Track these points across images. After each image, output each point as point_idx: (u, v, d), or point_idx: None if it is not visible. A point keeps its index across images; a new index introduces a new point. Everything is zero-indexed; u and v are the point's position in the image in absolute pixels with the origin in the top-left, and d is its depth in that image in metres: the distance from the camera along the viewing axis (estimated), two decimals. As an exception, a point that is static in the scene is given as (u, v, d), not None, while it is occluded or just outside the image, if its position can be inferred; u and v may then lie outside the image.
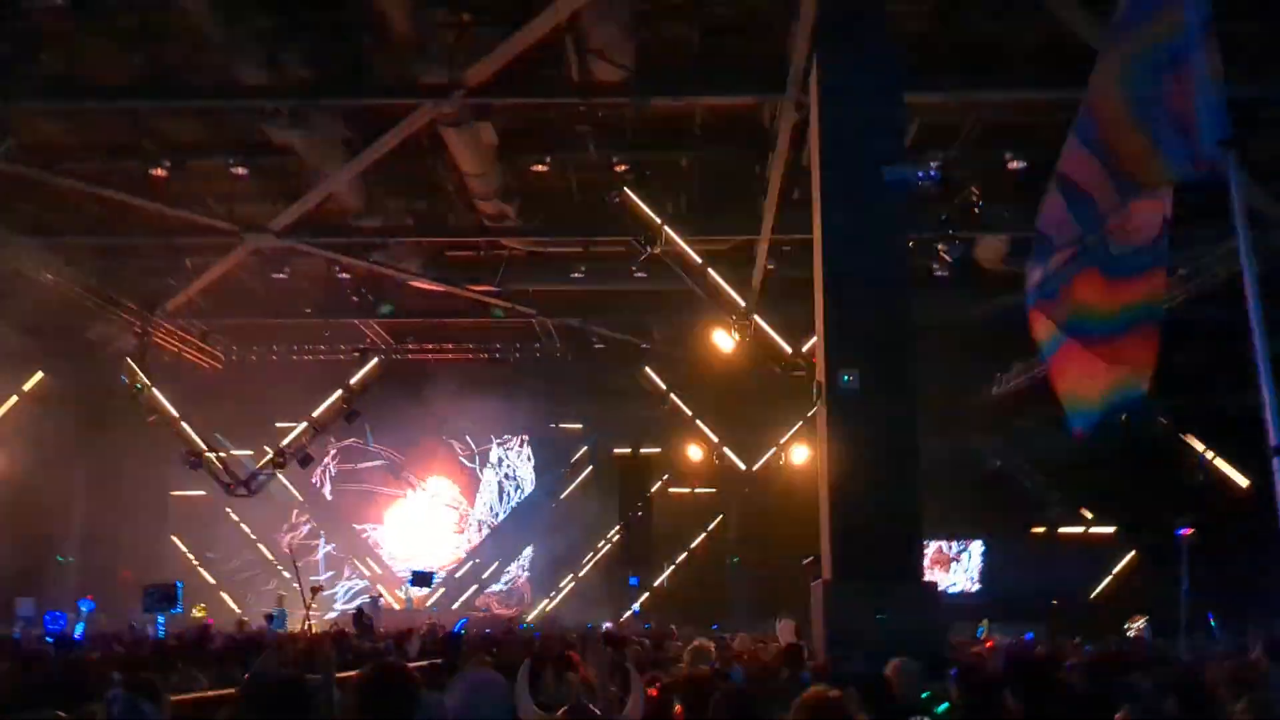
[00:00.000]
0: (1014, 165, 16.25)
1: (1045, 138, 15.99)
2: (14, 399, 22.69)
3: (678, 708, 5.16)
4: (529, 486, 29.76)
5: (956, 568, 27.40)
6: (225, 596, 27.73)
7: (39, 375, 23.15)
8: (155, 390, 22.60)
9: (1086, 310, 5.08)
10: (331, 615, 26.33)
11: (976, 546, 27.53)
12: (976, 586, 27.16)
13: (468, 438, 29.49)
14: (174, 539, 27.57)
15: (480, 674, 5.13)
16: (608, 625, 22.81)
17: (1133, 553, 25.69)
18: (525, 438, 29.43)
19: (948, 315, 19.19)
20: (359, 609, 22.20)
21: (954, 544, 27.29)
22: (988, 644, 13.82)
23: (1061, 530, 26.48)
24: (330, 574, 28.84)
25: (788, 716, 3.51)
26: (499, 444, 29.62)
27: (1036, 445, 24.98)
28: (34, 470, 22.28)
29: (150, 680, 4.47)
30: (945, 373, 20.37)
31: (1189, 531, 13.16)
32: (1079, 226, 5.07)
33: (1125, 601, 23.08)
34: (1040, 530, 26.61)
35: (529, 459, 29.68)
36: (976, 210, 16.50)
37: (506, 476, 29.84)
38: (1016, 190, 16.50)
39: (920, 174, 11.50)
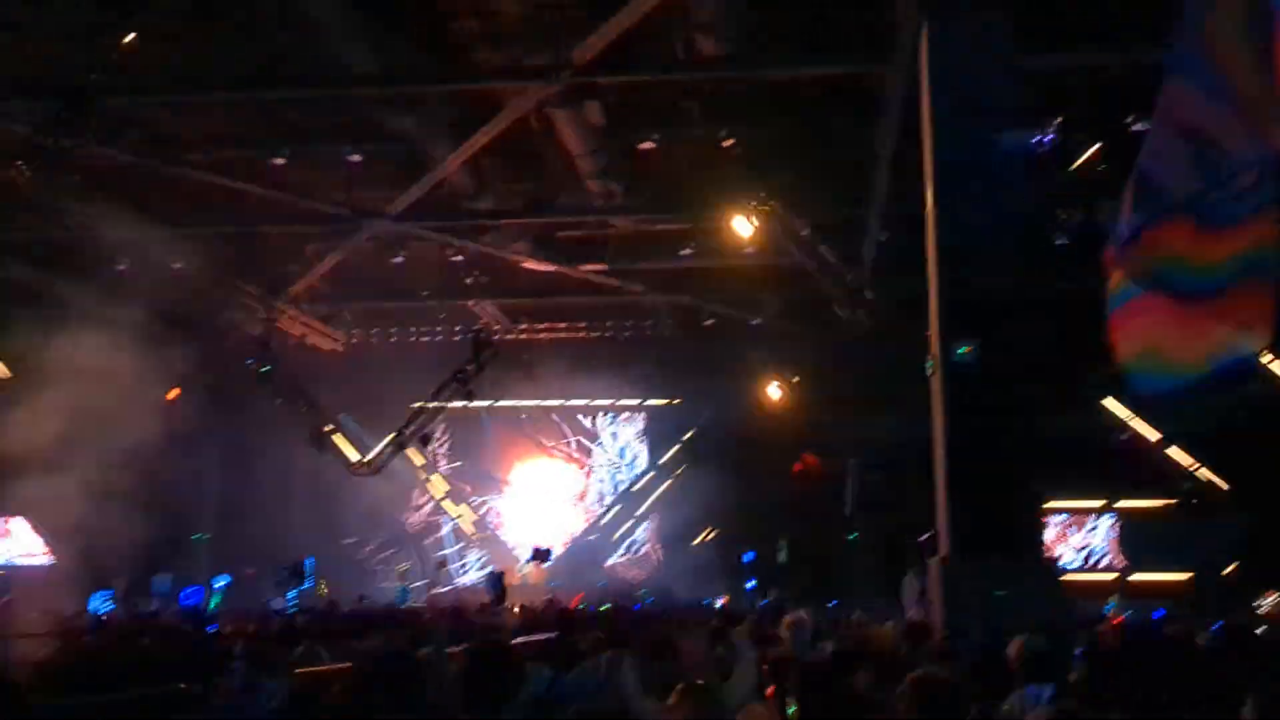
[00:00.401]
0: (1137, 127, 15.61)
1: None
2: (176, 390, 23.57)
3: (769, 689, 5.06)
4: (643, 463, 29.86)
5: (1082, 542, 26.65)
6: (351, 572, 28.50)
7: (172, 359, 24.02)
8: (280, 373, 23.33)
9: (1178, 262, 4.77)
10: (459, 586, 26.89)
11: (1104, 520, 26.72)
12: (1103, 561, 26.38)
13: (580, 416, 29.72)
14: (301, 517, 28.41)
15: (612, 657, 5.13)
16: (722, 601, 22.81)
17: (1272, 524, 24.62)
18: (637, 414, 29.49)
19: (1069, 283, 18.59)
20: (496, 574, 22.28)
21: (1079, 518, 26.53)
22: (1115, 621, 13.44)
23: (1195, 501, 25.49)
24: (459, 546, 29.46)
25: (899, 695, 3.44)
26: (611, 421, 29.75)
27: (1168, 414, 24.10)
28: (169, 450, 23.17)
29: (270, 655, 4.61)
30: (1069, 341, 19.76)
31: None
32: (1202, 177, 4.74)
33: (1264, 576, 22.15)
34: (1172, 502, 25.67)
35: (642, 437, 29.74)
36: (1098, 175, 15.91)
37: (620, 453, 29.99)
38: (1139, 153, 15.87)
39: (1036, 139, 11.13)
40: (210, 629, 12.79)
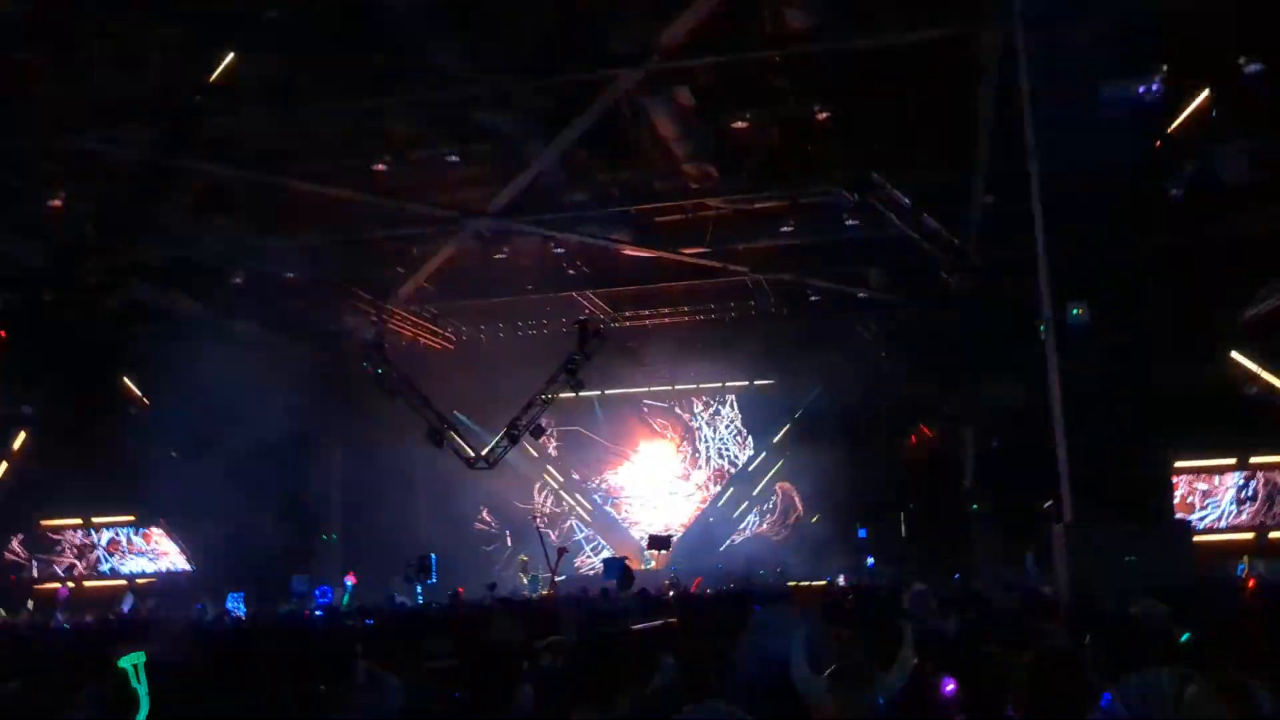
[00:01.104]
0: (1250, 69, 14.96)
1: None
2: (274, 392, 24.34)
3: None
4: (754, 444, 29.79)
5: (1213, 502, 25.76)
6: (475, 566, 29.05)
7: (291, 368, 24.79)
8: (394, 374, 23.90)
9: None
10: (582, 574, 27.26)
11: (1234, 478, 25.78)
12: (1235, 521, 25.45)
13: (689, 400, 29.77)
14: (424, 513, 29.06)
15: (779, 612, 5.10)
16: (842, 578, 22.68)
17: None
18: (747, 395, 29.37)
19: (1188, 236, 17.97)
20: (620, 562, 22.36)
21: (1210, 476, 25.63)
22: (1250, 582, 12.98)
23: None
24: (580, 535, 29.85)
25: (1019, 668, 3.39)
26: (721, 403, 29.70)
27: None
28: (297, 456, 24.02)
29: (394, 651, 4.75)
30: (1188, 296, 19.11)
31: None
32: None
33: None
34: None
35: (752, 418, 29.60)
36: (1210, 121, 15.30)
37: (731, 435, 29.97)
38: (1253, 96, 15.21)
39: (1141, 88, 10.77)
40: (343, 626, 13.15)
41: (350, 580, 23.05)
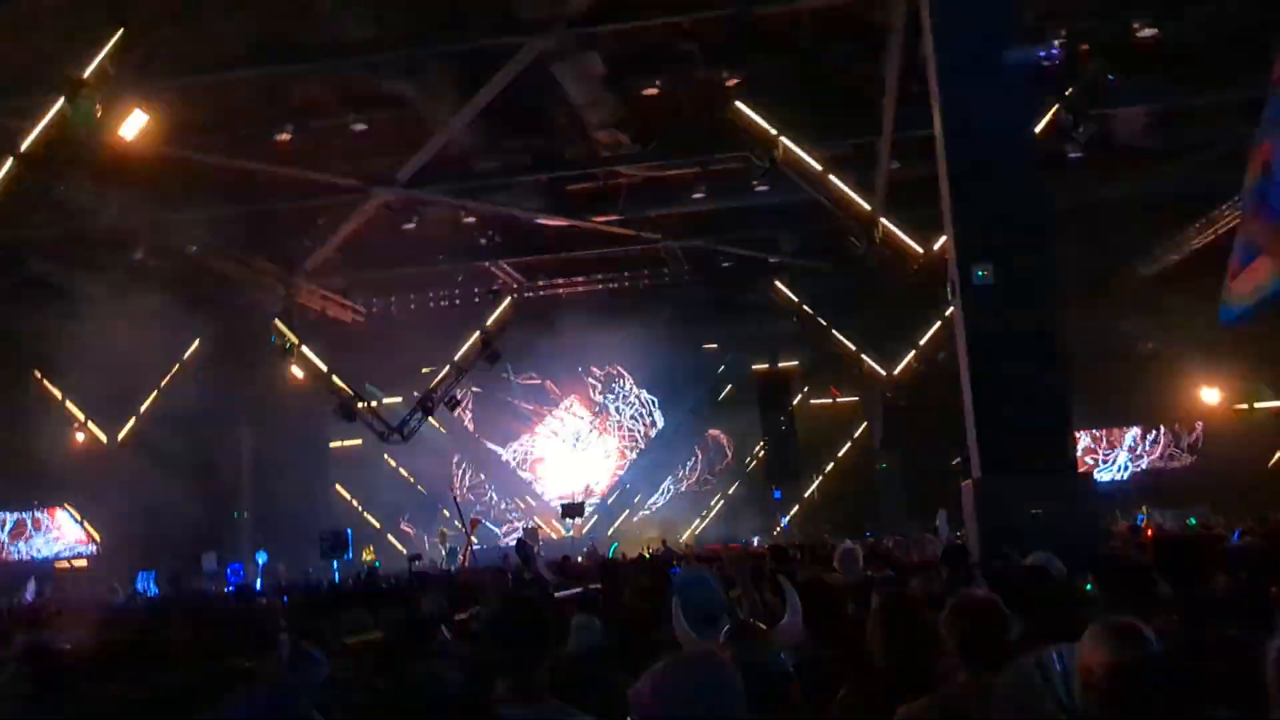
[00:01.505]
0: (1144, 33, 15.39)
1: (1175, 1, 15.22)
2: (176, 368, 23.85)
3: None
4: (670, 410, 29.99)
5: (1110, 455, 26.67)
6: (391, 539, 28.87)
7: (196, 343, 24.26)
8: (304, 348, 23.52)
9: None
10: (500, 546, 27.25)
11: (1132, 432, 26.71)
12: (1132, 473, 26.40)
13: (605, 367, 29.85)
14: (338, 488, 28.76)
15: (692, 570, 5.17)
16: (756, 540, 23.02)
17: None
18: (661, 361, 29.55)
19: (1085, 196, 18.47)
20: (519, 540, 22.62)
21: (1107, 431, 26.53)
22: (1148, 532, 13.49)
23: (1222, 409, 25.39)
24: (496, 505, 29.82)
25: (942, 619, 3.49)
26: (635, 370, 29.81)
27: (1191, 324, 23.94)
28: (206, 433, 23.54)
29: (316, 626, 4.72)
30: (1087, 256, 19.66)
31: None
32: None
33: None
34: (1198, 410, 25.59)
35: (667, 384, 29.76)
36: (1105, 85, 15.71)
37: (646, 402, 30.14)
38: (1148, 60, 15.67)
39: (1042, 53, 11.00)
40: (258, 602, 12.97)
41: (261, 557, 22.76)
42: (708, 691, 2.30)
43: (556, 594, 7.38)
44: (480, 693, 3.48)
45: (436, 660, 3.94)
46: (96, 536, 26.86)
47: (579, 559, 17.62)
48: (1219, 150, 17.83)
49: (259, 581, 20.76)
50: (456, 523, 23.20)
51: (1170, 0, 15.05)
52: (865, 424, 27.90)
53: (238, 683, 3.61)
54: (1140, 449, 26.81)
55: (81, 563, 26.84)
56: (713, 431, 29.71)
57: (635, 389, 30.11)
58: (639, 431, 30.27)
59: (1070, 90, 15.62)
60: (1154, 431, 26.72)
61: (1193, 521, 17.37)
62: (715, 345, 28.57)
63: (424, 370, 25.32)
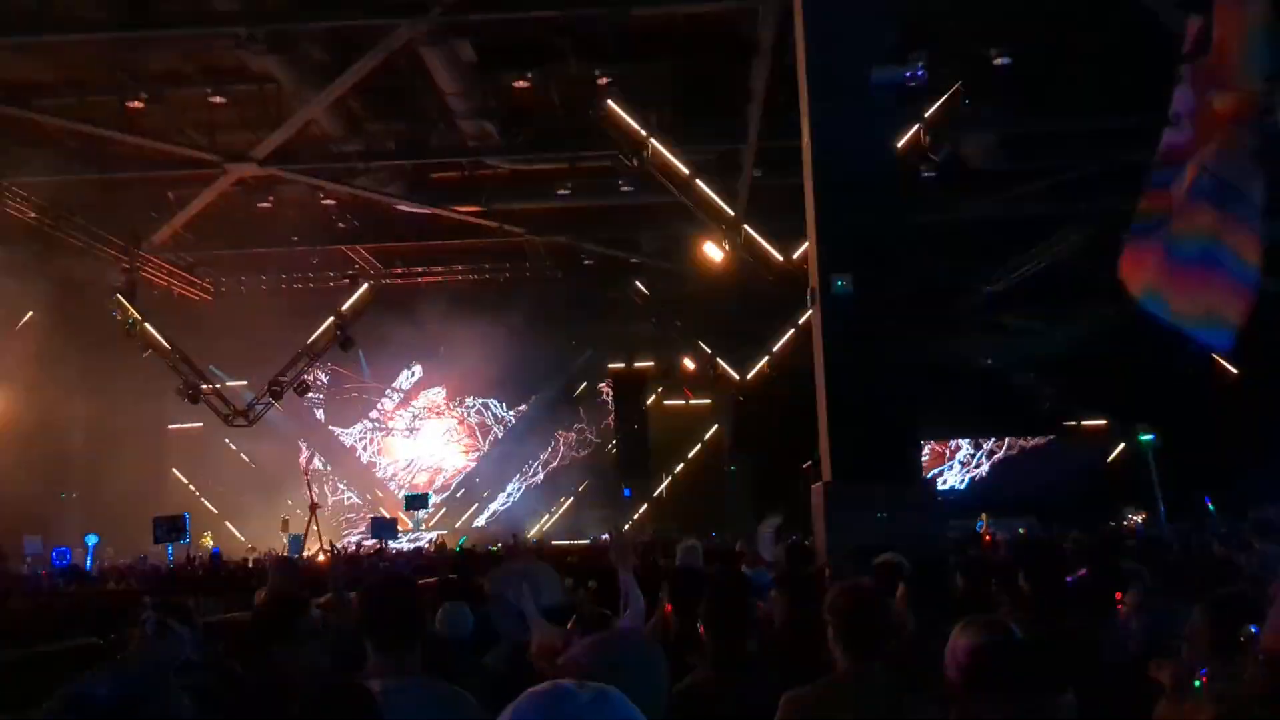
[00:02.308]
0: (999, 61, 16.11)
1: (1029, 33, 15.97)
2: (5, 339, 22.64)
3: (668, 606, 5.22)
4: (522, 405, 29.93)
5: (948, 466, 27.78)
6: (230, 526, 28.02)
7: (29, 314, 23.06)
8: (147, 325, 22.63)
9: (1167, 223, 5.16)
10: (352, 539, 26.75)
11: (968, 445, 27.87)
12: (968, 484, 27.57)
13: (459, 359, 29.58)
14: (175, 471, 27.77)
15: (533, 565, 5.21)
16: (605, 537, 23.14)
17: (1122, 445, 25.96)
18: (518, 355, 29.44)
19: (936, 215, 19.20)
20: (378, 528, 22.07)
21: (947, 443, 27.62)
22: (986, 538, 14.11)
23: (1053, 426, 26.74)
24: (339, 494, 29.25)
25: (825, 607, 3.62)
26: (490, 363, 29.66)
27: (1028, 344, 25.16)
28: (34, 409, 22.39)
29: (183, 604, 4.60)
30: (934, 273, 20.44)
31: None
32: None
33: (1118, 494, 23.41)
34: (1032, 427, 26.90)
35: (522, 378, 29.69)
36: (962, 109, 16.38)
37: (499, 395, 30.01)
38: (1001, 87, 16.39)
39: (907, 74, 11.39)
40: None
41: (91, 540, 21.81)
42: (636, 662, 2.38)
43: (419, 582, 7.30)
44: (349, 670, 3.48)
45: (306, 641, 3.88)
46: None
47: (426, 548, 17.47)
48: (1061, 177, 18.79)
49: (89, 564, 19.88)
50: (299, 510, 22.74)
51: (1023, 31, 15.76)
52: (717, 426, 28.35)
53: (95, 659, 3.51)
54: (973, 461, 27.99)
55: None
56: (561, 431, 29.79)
57: (491, 382, 29.87)
58: (490, 424, 30.10)
59: (929, 112, 16.22)
60: (987, 444, 27.92)
61: (1021, 530, 18.23)
62: (573, 341, 28.60)
63: (274, 354, 24.62)
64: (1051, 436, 26.69)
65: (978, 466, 27.87)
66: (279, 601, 4.30)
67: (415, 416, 30.14)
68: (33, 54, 16.24)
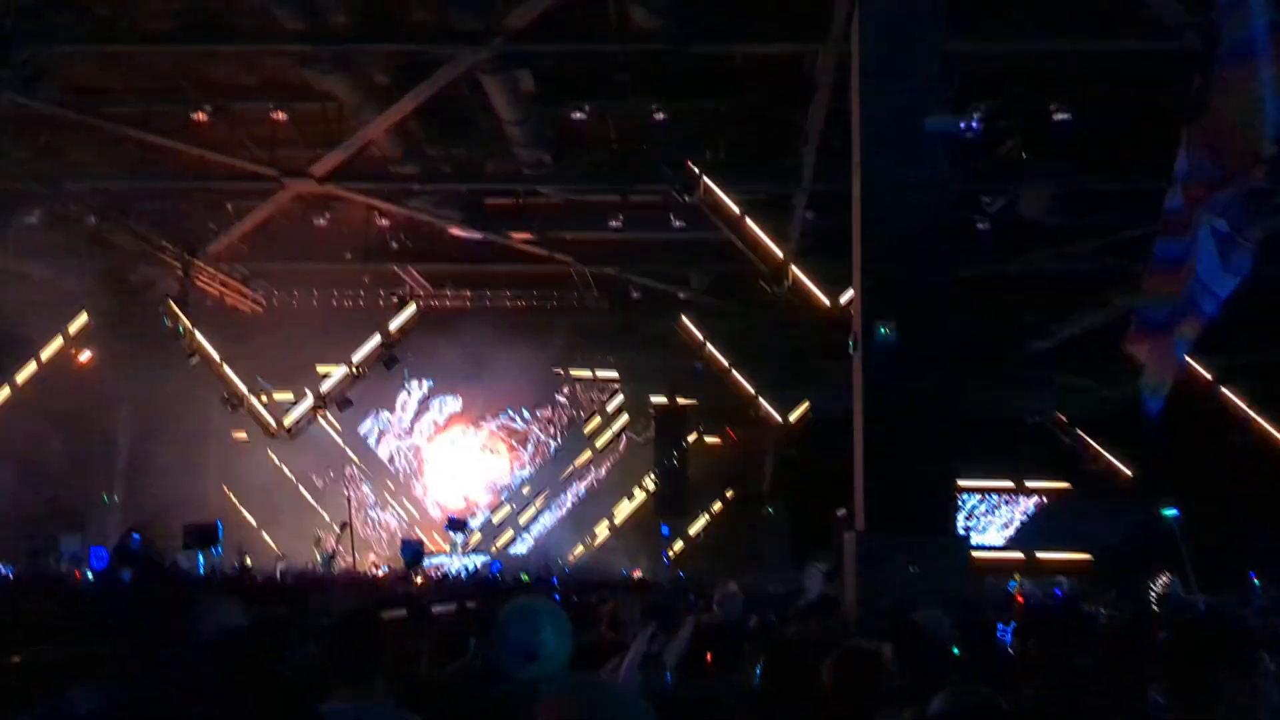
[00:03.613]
0: (1059, 117, 15.95)
1: (1091, 89, 15.82)
2: (59, 340, 23.00)
3: (708, 655, 5.17)
4: (566, 434, 29.90)
5: (989, 522, 27.35)
6: (266, 537, 28.15)
7: (83, 317, 23.44)
8: (197, 333, 22.92)
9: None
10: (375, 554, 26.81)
11: (1011, 501, 27.45)
12: (1007, 540, 27.11)
13: (504, 384, 29.63)
14: (215, 479, 27.99)
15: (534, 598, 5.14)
16: (638, 573, 23.03)
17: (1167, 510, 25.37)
18: (562, 383, 29.43)
19: (989, 268, 19.03)
20: (408, 552, 22.07)
21: (988, 498, 27.22)
22: (1018, 598, 13.84)
23: (1096, 486, 26.26)
24: (378, 513, 29.34)
25: (825, 667, 3.54)
26: (535, 390, 29.68)
27: (1075, 401, 24.79)
28: (80, 410, 22.74)
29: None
30: (985, 326, 20.24)
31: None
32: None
33: (1157, 558, 22.88)
34: (1074, 485, 26.44)
35: (566, 408, 29.73)
36: (1020, 162, 16.25)
37: (543, 423, 30.00)
38: (1061, 142, 16.23)
39: (962, 125, 11.29)
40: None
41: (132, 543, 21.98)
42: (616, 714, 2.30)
43: (434, 608, 7.27)
44: (309, 697, 3.41)
45: (288, 661, 3.83)
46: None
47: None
48: (1116, 237, 18.56)
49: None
50: (336, 527, 22.86)
51: (1084, 88, 15.62)
52: (756, 468, 28.14)
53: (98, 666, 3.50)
54: (1014, 517, 27.55)
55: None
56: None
57: (535, 409, 29.89)
58: (535, 453, 30.08)
59: (985, 164, 16.11)
60: (1028, 500, 27.47)
61: (1058, 591, 17.85)
62: (616, 374, 28.57)
63: (320, 369, 24.83)
64: (1092, 496, 26.16)
65: (1015, 522, 27.41)
66: (270, 619, 4.28)
67: (452, 441, 30.18)
68: (102, 61, 16.58)
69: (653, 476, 28.22)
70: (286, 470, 28.32)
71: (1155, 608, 12.80)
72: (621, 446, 29.22)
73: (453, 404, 29.99)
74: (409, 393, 29.56)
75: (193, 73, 17.21)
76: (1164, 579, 19.91)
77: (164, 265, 22.28)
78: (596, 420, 29.33)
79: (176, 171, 19.62)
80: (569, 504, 29.70)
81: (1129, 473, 26.21)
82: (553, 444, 30.01)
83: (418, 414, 30.03)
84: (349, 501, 23.77)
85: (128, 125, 17.71)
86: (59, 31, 14.70)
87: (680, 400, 27.72)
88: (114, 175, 19.61)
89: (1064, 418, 26.16)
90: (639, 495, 28.67)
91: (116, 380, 23.94)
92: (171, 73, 17.12)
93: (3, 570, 19.20)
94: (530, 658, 3.98)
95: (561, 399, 29.77)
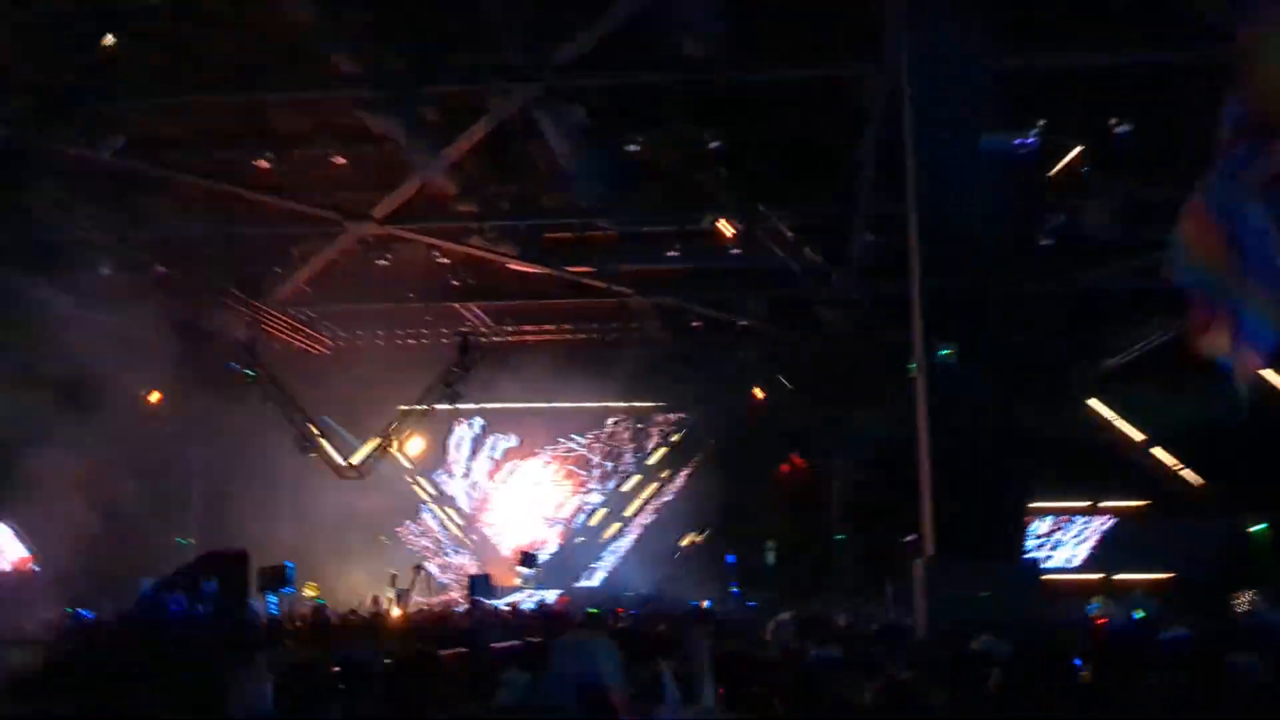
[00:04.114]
0: (1119, 129, 15.67)
1: (1152, 100, 15.53)
2: (132, 387, 23.47)
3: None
4: (630, 466, 29.85)
5: (1062, 543, 26.73)
6: (337, 577, 28.37)
7: (156, 363, 23.90)
8: (267, 376, 23.31)
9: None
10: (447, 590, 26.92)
11: (1086, 521, 26.81)
12: (1083, 562, 26.45)
13: (566, 418, 29.68)
14: (288, 520, 28.31)
15: (586, 638, 5.10)
16: (709, 604, 22.82)
17: (1254, 525, 24.68)
18: (624, 416, 29.43)
19: (1054, 285, 18.71)
20: (474, 587, 22.06)
21: (1062, 518, 26.62)
22: (1099, 621, 13.50)
23: (1175, 503, 25.55)
24: (448, 549, 29.48)
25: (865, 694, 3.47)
26: (597, 422, 29.68)
27: (1150, 416, 24.21)
28: (155, 454, 23.16)
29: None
30: (1052, 344, 19.89)
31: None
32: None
33: (1243, 575, 22.22)
34: (1153, 503, 25.75)
35: (628, 440, 29.70)
36: (1080, 177, 15.98)
37: (606, 456, 29.98)
38: (1121, 155, 15.94)
39: (1018, 141, 11.17)
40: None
41: (208, 586, 22.29)
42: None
43: (493, 645, 7.27)
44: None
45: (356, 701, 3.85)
46: (36, 556, 26.27)
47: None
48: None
49: (200, 608, 20.32)
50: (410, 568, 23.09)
51: (1144, 99, 15.34)
52: (825, 494, 27.82)
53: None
54: (1089, 537, 26.89)
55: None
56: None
57: (597, 442, 29.89)
58: (599, 486, 30.05)
59: (1044, 179, 15.87)
60: (1103, 519, 26.82)
61: (1139, 614, 17.37)
62: (680, 404, 28.47)
63: (386, 408, 25.10)
64: (1171, 513, 25.45)
65: (1090, 542, 26.75)
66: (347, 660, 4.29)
67: (519, 470, 30.27)
68: (165, 113, 16.98)
69: (718, 505, 28.02)
70: (358, 509, 28.56)
71: (1238, 625, 12.40)
72: (686, 476, 29.05)
73: (510, 440, 30.08)
74: (469, 428, 29.70)
75: (253, 121, 17.56)
76: (1248, 595, 19.38)
77: (232, 311, 22.70)
78: (661, 451, 29.26)
79: (241, 218, 19.99)
80: (635, 535, 29.61)
81: (1206, 489, 25.51)
82: (617, 477, 29.97)
83: (474, 452, 30.16)
84: (398, 537, 23.91)
85: (192, 174, 18.10)
86: (122, 85, 15.07)
87: (744, 428, 27.55)
88: (180, 224, 20.04)
89: (1139, 434, 25.49)
90: (705, 525, 28.47)
91: (189, 424, 24.39)
92: (232, 122, 17.49)
93: (86, 615, 19.59)
94: (582, 691, 3.95)
95: (624, 431, 29.78)
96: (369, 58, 15.14)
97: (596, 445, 29.92)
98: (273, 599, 20.43)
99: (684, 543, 28.37)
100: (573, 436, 29.90)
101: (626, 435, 29.83)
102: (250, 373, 23.11)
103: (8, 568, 26.55)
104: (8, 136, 14.83)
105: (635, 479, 29.68)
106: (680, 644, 6.55)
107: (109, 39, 13.78)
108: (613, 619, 15.11)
